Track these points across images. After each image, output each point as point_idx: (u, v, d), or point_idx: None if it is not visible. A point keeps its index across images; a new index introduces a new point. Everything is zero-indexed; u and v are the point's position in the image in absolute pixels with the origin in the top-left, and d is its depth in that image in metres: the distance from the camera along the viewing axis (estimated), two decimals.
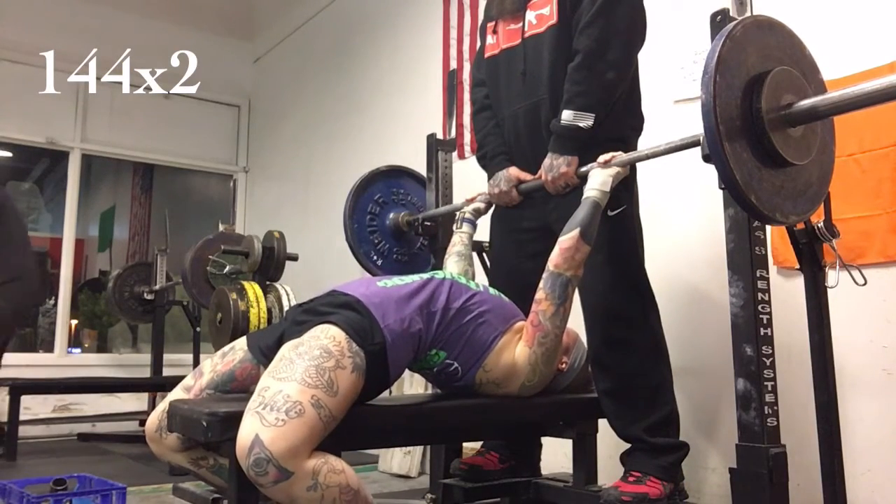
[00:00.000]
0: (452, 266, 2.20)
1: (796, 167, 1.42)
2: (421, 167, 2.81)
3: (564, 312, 1.77)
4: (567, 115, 1.92)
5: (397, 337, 1.62)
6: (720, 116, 1.30)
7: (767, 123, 1.35)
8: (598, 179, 1.84)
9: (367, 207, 2.69)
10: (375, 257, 2.68)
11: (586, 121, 1.91)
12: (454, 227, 2.33)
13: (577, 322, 2.00)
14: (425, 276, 1.81)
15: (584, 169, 1.92)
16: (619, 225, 1.95)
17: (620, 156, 1.84)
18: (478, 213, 2.32)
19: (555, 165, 1.96)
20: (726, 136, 1.31)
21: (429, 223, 2.61)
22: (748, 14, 1.66)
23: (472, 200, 2.33)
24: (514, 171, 2.13)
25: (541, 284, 1.78)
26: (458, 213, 2.36)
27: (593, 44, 1.92)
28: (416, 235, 2.66)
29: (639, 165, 2.08)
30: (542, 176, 2.00)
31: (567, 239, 1.77)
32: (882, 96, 1.28)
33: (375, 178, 2.75)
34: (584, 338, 2.01)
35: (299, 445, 1.37)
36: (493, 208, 2.30)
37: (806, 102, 1.38)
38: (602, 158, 1.85)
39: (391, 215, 2.72)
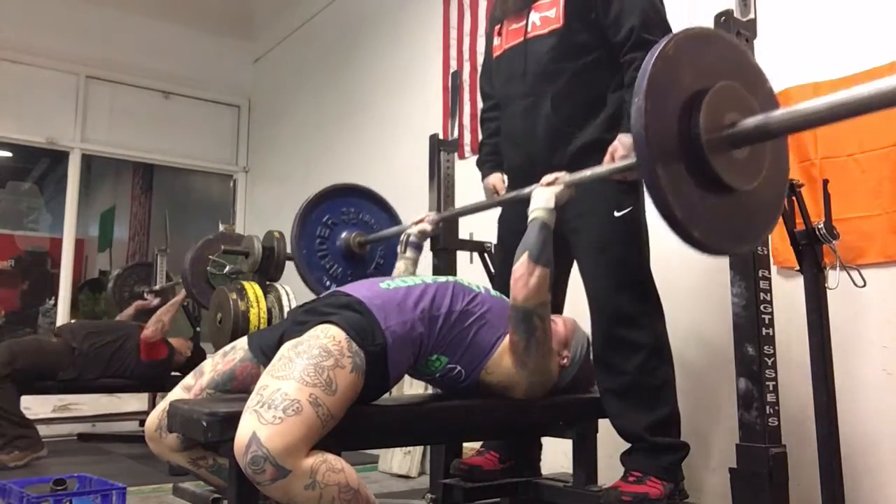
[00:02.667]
0: None
1: (739, 192, 1.27)
2: (421, 167, 2.81)
3: (537, 341, 1.71)
4: None
5: (398, 339, 1.62)
6: (655, 146, 1.17)
7: (707, 147, 1.20)
8: (542, 198, 1.77)
9: (316, 231, 2.54)
10: (328, 282, 2.53)
11: None
12: (398, 250, 2.24)
13: (580, 318, 2.00)
14: (428, 279, 1.80)
15: (526, 190, 1.88)
16: (625, 226, 1.95)
17: (564, 176, 1.80)
18: (423, 235, 2.24)
19: (624, 145, 1.89)
20: (663, 166, 1.18)
21: None
22: (752, 15, 1.66)
23: (419, 222, 2.25)
24: (491, 181, 2.28)
25: (509, 314, 1.73)
26: (402, 234, 2.26)
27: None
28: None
29: None
30: (619, 153, 1.91)
31: (517, 266, 1.69)
32: (831, 115, 1.15)
33: (322, 199, 2.59)
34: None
35: (297, 443, 1.37)
36: (501, 211, 2.30)
37: (750, 122, 1.23)
38: (545, 179, 1.81)
39: (342, 236, 2.58)
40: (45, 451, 3.56)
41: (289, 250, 3.22)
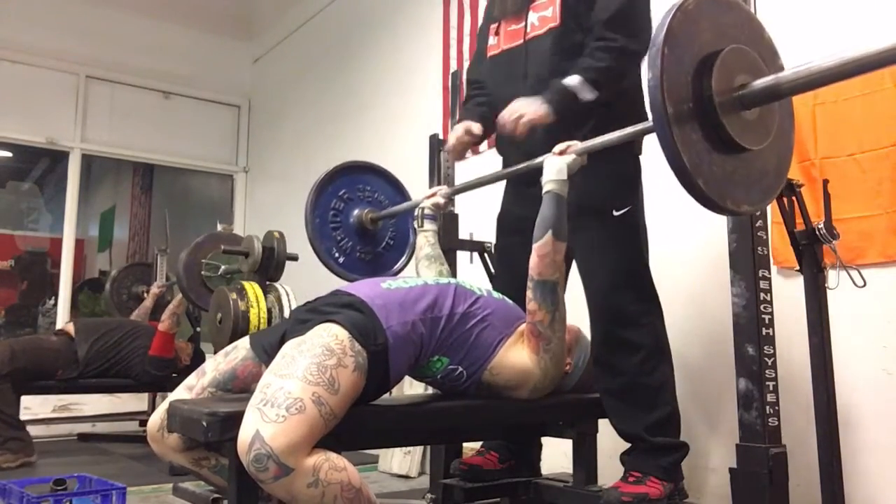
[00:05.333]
0: (425, 271, 2.13)
1: (751, 153, 1.32)
2: (421, 167, 2.81)
3: (561, 316, 1.75)
4: (573, 80, 1.88)
5: (399, 339, 1.62)
6: (668, 95, 1.21)
7: (719, 106, 1.25)
8: (554, 168, 1.76)
9: (331, 203, 2.57)
10: (337, 254, 2.54)
11: (588, 94, 1.89)
12: (416, 226, 2.26)
13: (580, 319, 2.00)
14: (430, 281, 1.80)
15: (538, 159, 1.85)
16: (624, 225, 1.95)
17: (576, 145, 1.78)
18: (437, 208, 2.24)
19: (526, 104, 1.90)
20: (674, 117, 1.22)
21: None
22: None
23: (431, 196, 2.25)
24: (463, 125, 2.16)
25: (529, 295, 1.74)
26: (416, 209, 2.28)
27: (624, 40, 1.91)
28: (415, 231, 2.64)
29: (642, 164, 2.08)
30: (505, 113, 1.93)
31: (542, 244, 1.72)
32: (837, 74, 1.19)
33: (340, 173, 2.62)
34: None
35: (300, 442, 1.38)
36: (499, 212, 2.29)
37: (760, 82, 1.28)
38: (557, 148, 1.80)
39: (356, 212, 2.59)
40: (35, 456, 3.53)
41: (289, 250, 3.22)
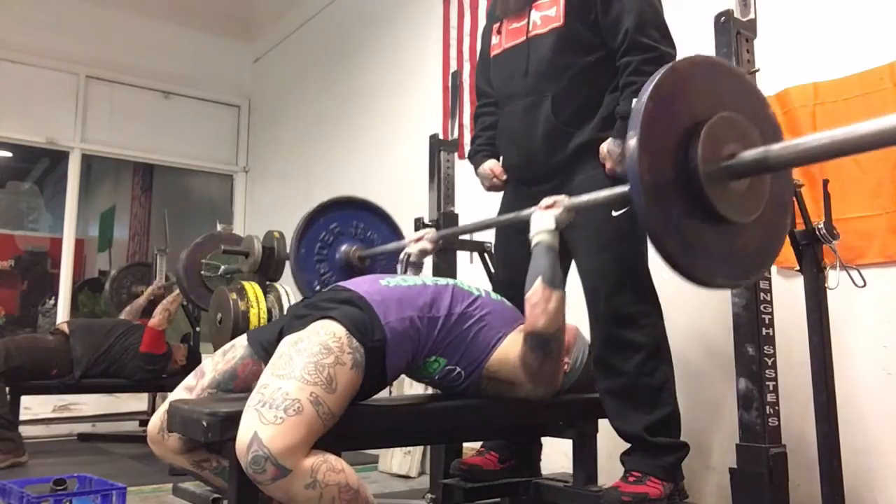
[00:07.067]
0: None
1: (736, 226, 1.25)
2: (421, 167, 2.81)
3: (553, 361, 1.70)
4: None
5: (397, 335, 1.62)
6: (649, 160, 1.15)
7: (704, 179, 1.19)
8: (543, 221, 1.73)
9: (320, 235, 2.52)
10: (318, 288, 2.46)
11: None
12: (398, 270, 2.18)
13: (580, 318, 2.00)
14: (428, 281, 1.80)
15: (525, 212, 1.86)
16: (623, 225, 1.95)
17: (563, 199, 1.77)
18: (423, 254, 2.19)
19: (613, 147, 1.95)
20: (656, 199, 1.16)
21: (430, 223, 2.61)
22: (752, 15, 1.66)
23: (419, 240, 2.20)
24: (488, 166, 2.28)
25: (522, 340, 1.69)
26: (402, 253, 2.20)
27: (663, 45, 1.93)
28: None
29: None
30: (608, 164, 1.97)
31: (532, 293, 1.65)
32: (831, 150, 1.14)
33: (335, 207, 2.57)
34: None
35: (297, 443, 1.38)
36: (498, 211, 2.29)
37: (749, 154, 1.21)
38: (544, 202, 1.78)
39: (343, 248, 2.55)
40: (26, 456, 3.51)
41: (289, 249, 3.22)
